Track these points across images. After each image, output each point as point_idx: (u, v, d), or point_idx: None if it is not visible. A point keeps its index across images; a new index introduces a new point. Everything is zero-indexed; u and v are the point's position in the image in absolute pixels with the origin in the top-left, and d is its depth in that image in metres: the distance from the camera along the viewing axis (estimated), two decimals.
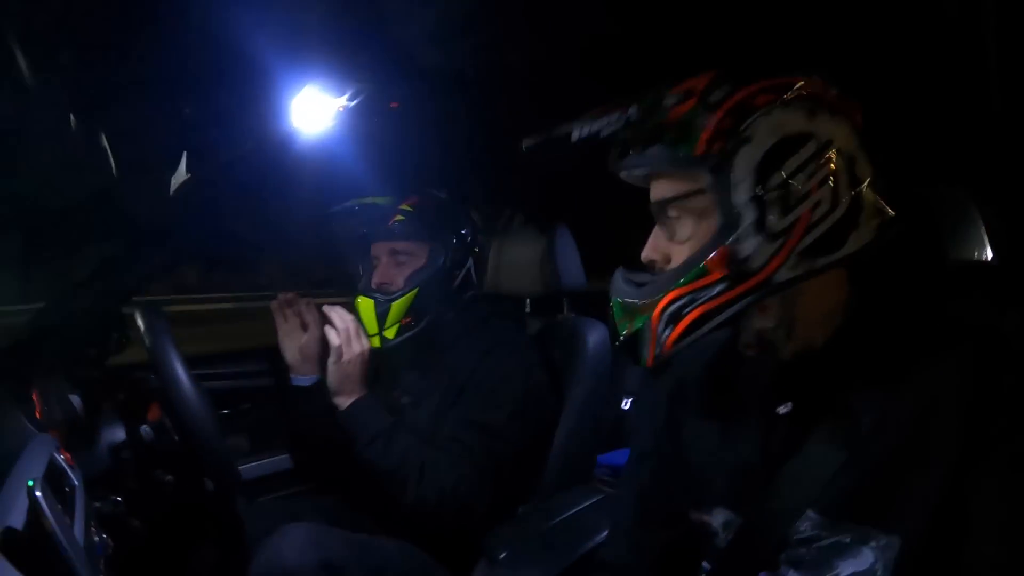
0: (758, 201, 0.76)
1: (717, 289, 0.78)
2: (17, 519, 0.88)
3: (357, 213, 1.64)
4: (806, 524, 0.79)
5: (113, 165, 1.00)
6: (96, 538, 1.12)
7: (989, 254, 1.63)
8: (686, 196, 0.81)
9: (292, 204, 1.64)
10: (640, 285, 0.84)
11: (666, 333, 0.80)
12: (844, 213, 0.77)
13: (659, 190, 0.85)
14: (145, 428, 1.30)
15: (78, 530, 1.04)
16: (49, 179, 1.11)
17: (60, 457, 1.19)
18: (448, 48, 1.22)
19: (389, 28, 1.09)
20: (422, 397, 1.59)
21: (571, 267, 1.83)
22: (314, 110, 1.10)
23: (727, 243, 0.77)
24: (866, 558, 0.75)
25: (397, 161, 1.67)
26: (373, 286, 1.62)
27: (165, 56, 0.96)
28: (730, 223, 0.77)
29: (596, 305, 1.96)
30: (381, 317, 1.58)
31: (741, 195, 0.77)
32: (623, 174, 0.88)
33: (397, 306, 1.57)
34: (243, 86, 1.03)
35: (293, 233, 1.93)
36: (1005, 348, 0.74)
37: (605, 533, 1.42)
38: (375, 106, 1.19)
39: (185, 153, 1.05)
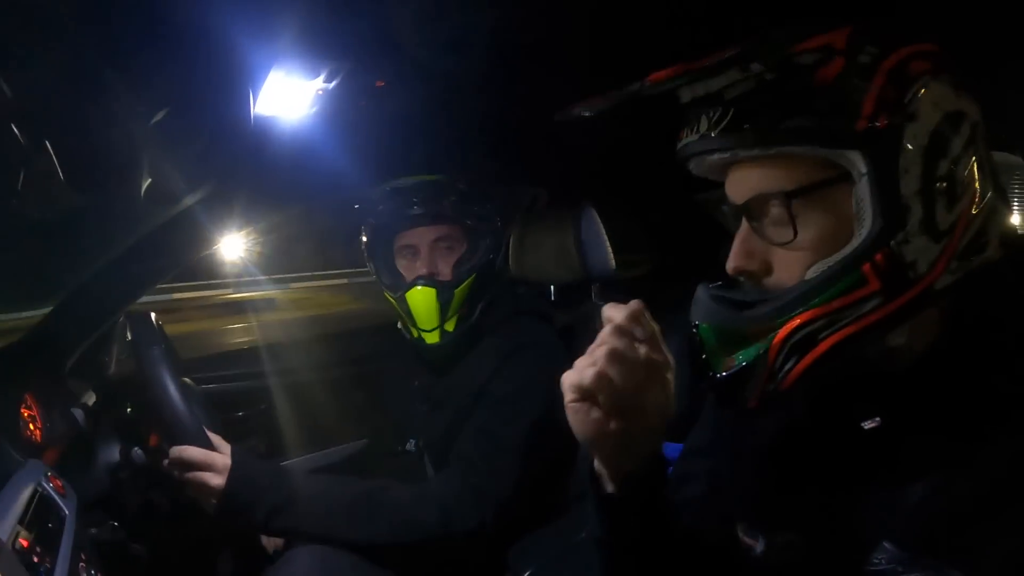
0: (927, 192, 0.63)
1: (870, 305, 0.64)
2: None
3: (408, 191, 1.45)
4: (882, 556, 0.68)
5: (60, 172, 0.87)
6: (86, 575, 1.05)
7: None
8: (818, 186, 0.65)
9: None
10: (745, 304, 0.69)
11: (788, 365, 0.66)
12: (990, 204, 0.67)
13: (771, 180, 0.68)
14: (137, 451, 1.22)
15: (61, 571, 0.98)
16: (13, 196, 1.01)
17: (49, 486, 1.13)
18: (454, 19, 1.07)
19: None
20: (439, 405, 1.47)
21: (599, 252, 1.67)
22: (287, 96, 0.96)
23: (891, 245, 0.63)
24: None
25: (430, 138, 1.50)
26: (419, 276, 1.43)
27: (109, 46, 0.83)
28: (895, 220, 0.63)
29: (626, 292, 1.81)
30: (444, 307, 1.40)
31: (911, 184, 0.63)
32: (717, 157, 0.70)
33: (460, 293, 1.40)
34: (206, 72, 0.89)
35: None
36: None
37: None
38: (359, 86, 1.04)
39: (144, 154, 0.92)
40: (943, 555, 0.64)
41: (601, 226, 1.69)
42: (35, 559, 0.93)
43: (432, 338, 1.42)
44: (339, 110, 1.17)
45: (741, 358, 0.68)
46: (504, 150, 1.74)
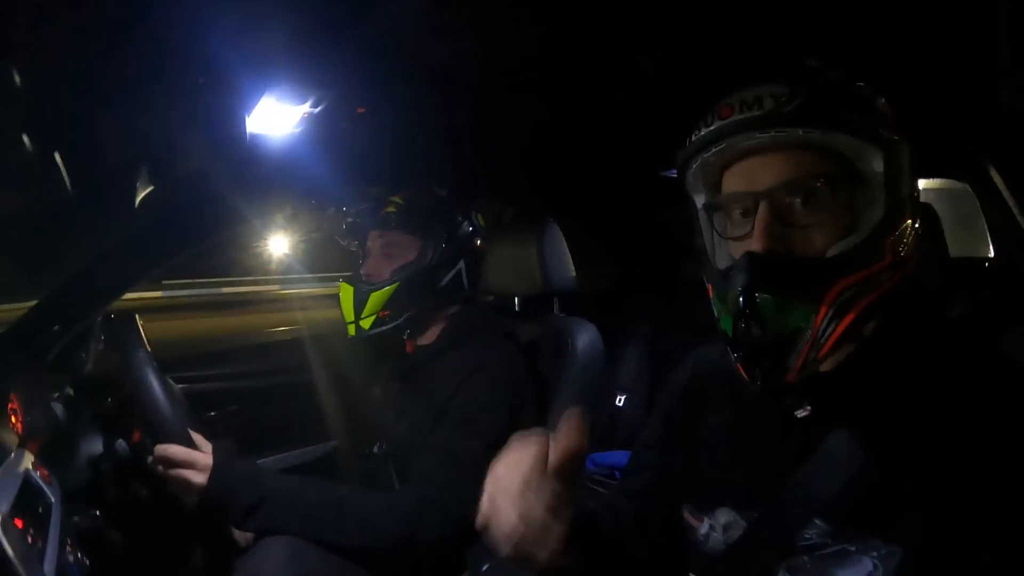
0: (910, 193, 0.79)
1: (886, 276, 0.76)
2: None
3: (348, 202, 1.62)
4: (812, 532, 0.78)
5: (68, 181, 0.95)
6: (72, 558, 1.10)
7: (991, 251, 1.58)
8: (845, 178, 0.77)
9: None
10: (792, 272, 0.76)
11: (829, 330, 0.75)
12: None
13: (805, 166, 0.77)
14: (120, 443, 1.28)
15: (51, 553, 1.03)
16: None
17: (36, 474, 1.18)
18: (427, 45, 1.17)
19: (360, 24, 1.03)
20: (403, 414, 1.57)
21: (561, 266, 1.78)
22: (277, 118, 1.06)
23: (897, 228, 0.77)
24: (864, 566, 0.74)
25: (387, 157, 1.63)
26: (362, 276, 1.62)
27: (118, 69, 0.92)
28: (898, 208, 0.77)
29: (586, 305, 1.93)
30: (359, 305, 1.57)
31: (905, 185, 0.78)
32: (769, 135, 0.77)
33: (376, 296, 1.56)
34: (202, 96, 0.99)
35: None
36: (1014, 369, 0.75)
37: None
38: (342, 112, 1.14)
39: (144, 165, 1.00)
40: (869, 528, 0.74)
41: (563, 240, 1.80)
42: (29, 539, 0.99)
43: (350, 330, 1.59)
44: (316, 130, 1.27)
45: (793, 322, 0.75)
46: (471, 167, 1.85)
